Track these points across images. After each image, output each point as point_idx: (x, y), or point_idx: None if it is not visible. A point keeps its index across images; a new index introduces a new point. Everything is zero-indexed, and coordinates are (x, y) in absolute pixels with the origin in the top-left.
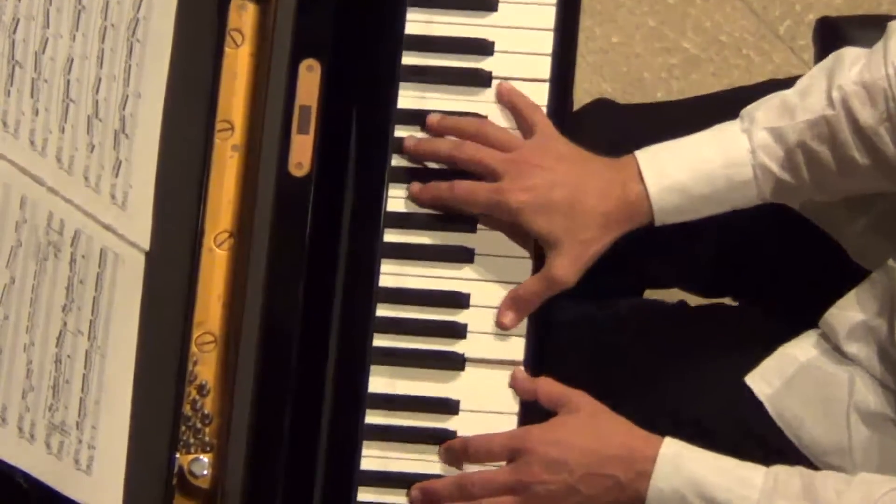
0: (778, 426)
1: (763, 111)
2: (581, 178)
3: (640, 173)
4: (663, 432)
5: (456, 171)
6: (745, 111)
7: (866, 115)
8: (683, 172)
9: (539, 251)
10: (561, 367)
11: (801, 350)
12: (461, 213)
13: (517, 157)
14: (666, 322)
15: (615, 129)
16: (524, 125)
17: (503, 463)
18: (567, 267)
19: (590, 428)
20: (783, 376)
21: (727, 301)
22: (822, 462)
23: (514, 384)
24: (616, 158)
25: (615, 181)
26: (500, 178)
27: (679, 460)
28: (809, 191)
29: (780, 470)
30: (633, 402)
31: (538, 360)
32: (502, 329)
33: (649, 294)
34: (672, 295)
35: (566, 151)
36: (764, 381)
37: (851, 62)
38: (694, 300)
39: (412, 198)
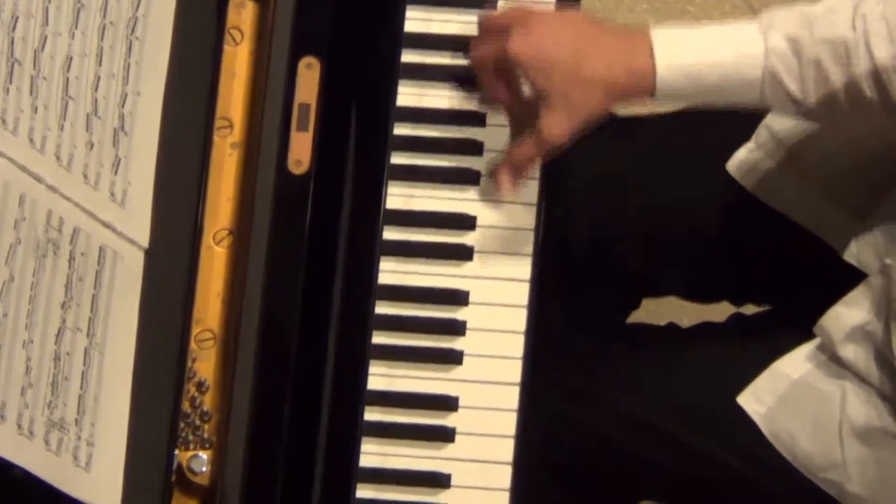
0: (771, 444)
1: (784, 18)
2: (588, 42)
3: (650, 48)
4: (656, 454)
5: (452, 170)
6: (765, 13)
7: (881, 52)
8: (695, 57)
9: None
10: (555, 374)
11: (792, 366)
12: (461, 212)
13: (527, 14)
14: (655, 344)
15: (615, 121)
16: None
17: None
18: (559, 125)
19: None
20: (775, 394)
21: (724, 305)
22: (818, 478)
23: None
24: (629, 30)
25: (624, 51)
26: (509, 32)
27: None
28: (812, 111)
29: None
30: (634, 426)
31: (535, 358)
32: (500, 191)
33: (646, 303)
34: (668, 310)
35: (577, 15)
36: (756, 399)
37: None
38: (689, 308)
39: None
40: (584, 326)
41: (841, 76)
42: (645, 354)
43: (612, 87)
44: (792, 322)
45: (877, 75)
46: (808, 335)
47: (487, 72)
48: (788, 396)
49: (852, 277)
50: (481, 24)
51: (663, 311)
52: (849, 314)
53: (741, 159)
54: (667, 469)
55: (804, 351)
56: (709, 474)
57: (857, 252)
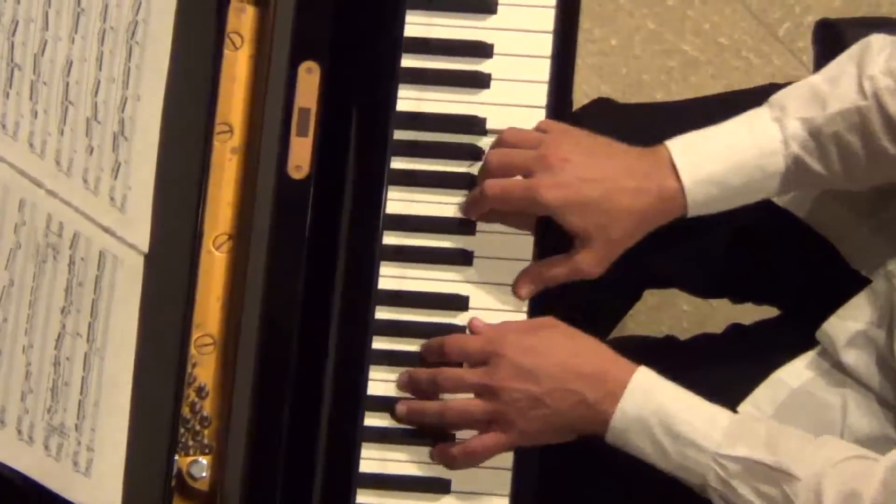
0: None
1: (793, 100)
2: (614, 174)
3: (672, 165)
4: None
5: (452, 175)
6: (773, 99)
7: (895, 107)
8: (717, 164)
9: (540, 249)
10: None
11: (793, 375)
12: (461, 217)
13: (544, 152)
14: (653, 356)
15: (615, 128)
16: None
17: None
18: (594, 262)
19: (566, 342)
20: (775, 403)
21: (723, 313)
22: None
23: (475, 330)
24: (646, 149)
25: (649, 176)
26: (531, 174)
27: (650, 387)
28: (837, 180)
29: (748, 416)
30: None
31: None
32: (517, 298)
33: (646, 295)
34: (669, 306)
35: (591, 143)
36: (756, 408)
37: (879, 49)
38: (690, 311)
39: (463, 215)
40: (584, 330)
41: (861, 142)
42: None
43: (645, 216)
44: (791, 330)
45: (895, 130)
46: (807, 343)
47: (503, 205)
48: (788, 405)
49: (855, 282)
50: (492, 162)
51: (662, 316)
52: (851, 319)
53: None
54: (661, 479)
55: (804, 360)
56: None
57: (862, 256)
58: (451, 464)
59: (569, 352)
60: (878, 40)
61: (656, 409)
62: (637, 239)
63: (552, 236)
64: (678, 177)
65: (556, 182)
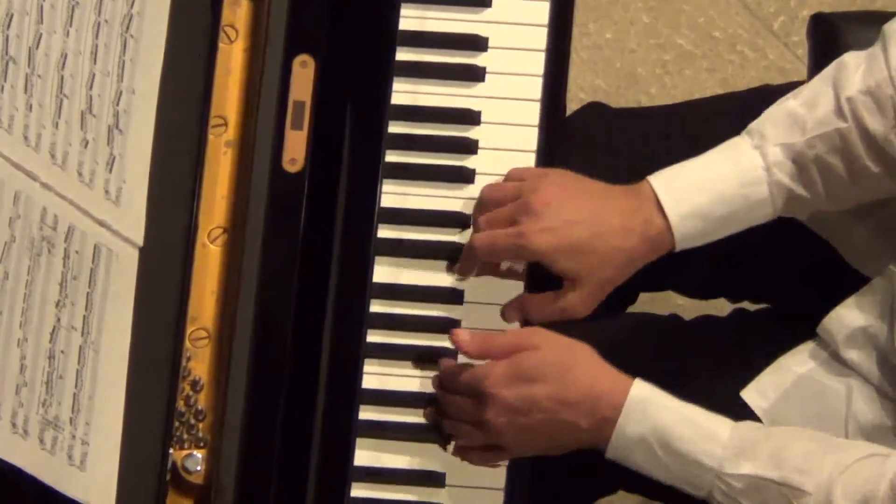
0: None
1: (772, 126)
2: (600, 213)
3: (657, 201)
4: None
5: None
6: (752, 126)
7: (876, 125)
8: (701, 196)
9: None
10: None
11: (798, 362)
12: (455, 210)
13: (526, 199)
14: (657, 336)
15: (608, 135)
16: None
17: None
18: (583, 304)
19: (553, 369)
20: (779, 389)
21: (722, 302)
22: None
23: (457, 345)
24: (627, 186)
25: (635, 215)
26: (517, 223)
27: (646, 406)
28: (822, 202)
29: (748, 429)
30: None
31: None
32: (504, 321)
33: (643, 298)
34: (664, 304)
35: (571, 183)
36: (760, 394)
37: (855, 68)
38: (687, 305)
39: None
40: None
41: (843, 163)
42: (646, 346)
43: (634, 254)
44: (796, 319)
45: (877, 148)
46: (811, 332)
47: (493, 257)
48: (793, 392)
49: (853, 280)
50: (480, 224)
51: (657, 310)
52: (851, 316)
53: None
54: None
55: (809, 347)
56: None
57: (860, 254)
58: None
59: (557, 380)
60: (852, 58)
61: (654, 428)
62: (626, 277)
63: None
64: (663, 213)
65: (542, 227)
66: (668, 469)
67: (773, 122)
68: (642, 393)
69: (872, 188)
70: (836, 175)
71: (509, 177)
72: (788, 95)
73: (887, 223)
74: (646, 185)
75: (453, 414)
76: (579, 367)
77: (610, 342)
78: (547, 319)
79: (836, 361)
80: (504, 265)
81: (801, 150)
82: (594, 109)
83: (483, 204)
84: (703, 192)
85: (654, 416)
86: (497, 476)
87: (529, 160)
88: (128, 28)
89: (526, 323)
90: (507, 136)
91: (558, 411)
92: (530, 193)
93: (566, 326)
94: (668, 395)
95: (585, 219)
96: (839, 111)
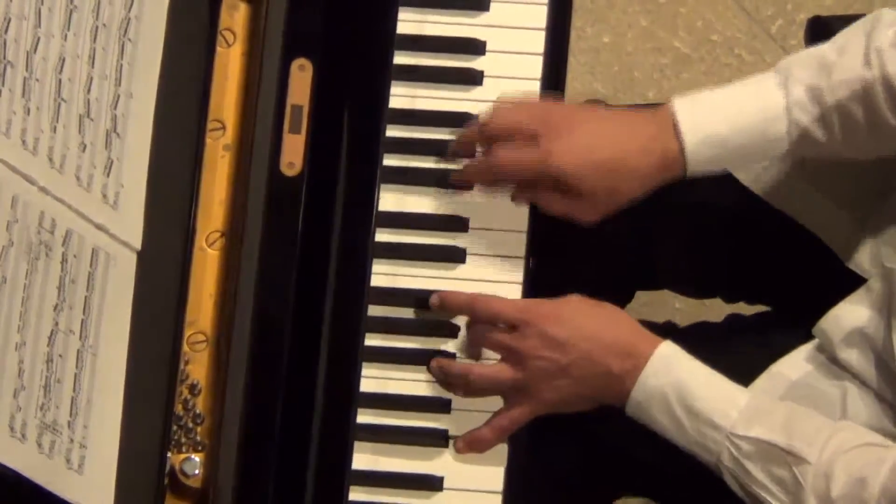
0: None
1: (800, 67)
2: (620, 136)
3: (675, 124)
4: (646, 452)
5: (445, 172)
6: (781, 65)
7: None
8: (719, 125)
9: (531, 250)
10: None
11: (792, 368)
12: (453, 214)
13: (546, 119)
14: None
15: None
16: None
17: None
18: (592, 215)
19: (594, 313)
20: (774, 396)
21: (718, 305)
22: None
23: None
24: (647, 108)
25: (654, 137)
26: (538, 141)
27: (671, 361)
28: (838, 149)
29: (766, 398)
30: (620, 423)
31: None
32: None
33: (642, 298)
34: (661, 305)
35: (590, 110)
36: None
37: (890, 23)
38: (684, 308)
39: (456, 182)
40: None
41: (864, 113)
42: None
43: (649, 176)
44: (789, 323)
45: None
46: (806, 336)
47: (513, 175)
48: (787, 398)
49: (851, 279)
50: (492, 124)
51: (654, 313)
52: (848, 316)
53: None
54: (656, 467)
55: (803, 352)
56: (700, 473)
57: (858, 255)
58: (483, 446)
59: (597, 323)
60: (889, 14)
61: (675, 383)
62: (638, 195)
63: (544, 223)
64: (680, 137)
65: (567, 147)
66: (683, 429)
67: (802, 64)
68: (672, 350)
69: (889, 142)
70: (855, 124)
71: (524, 102)
72: (824, 43)
73: (883, 221)
74: (666, 107)
75: (489, 342)
76: (618, 317)
77: None
78: (554, 214)
79: (832, 364)
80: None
81: (825, 94)
82: None
83: (496, 117)
84: (722, 121)
85: (677, 371)
86: (495, 479)
87: None
88: (126, 32)
89: (532, 213)
90: None
91: (594, 352)
92: (553, 114)
93: None
94: (693, 358)
95: (608, 141)
96: (867, 61)
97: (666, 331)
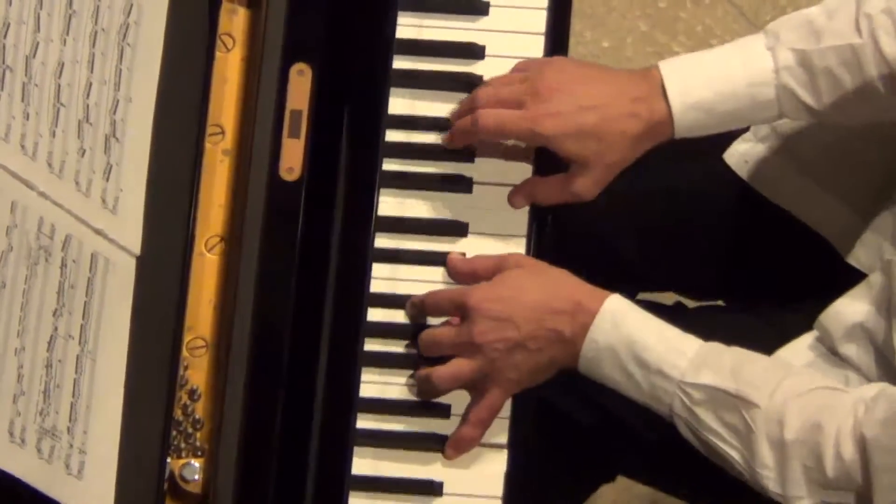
0: None
1: (788, 30)
2: (607, 99)
3: (663, 88)
4: (660, 434)
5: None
6: (769, 27)
7: (890, 46)
8: (708, 89)
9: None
10: None
11: (796, 355)
12: (452, 219)
13: (534, 84)
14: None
15: None
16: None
17: None
18: (590, 185)
19: (535, 281)
20: None
21: (721, 304)
22: None
23: (452, 270)
24: (635, 71)
25: (641, 100)
26: (523, 105)
27: (619, 316)
28: (826, 113)
29: (716, 345)
30: (624, 405)
31: None
32: (513, 207)
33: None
34: (669, 296)
35: (579, 69)
36: None
37: None
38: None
39: (445, 144)
40: None
41: (852, 79)
42: None
43: (638, 139)
44: (795, 311)
45: (888, 69)
46: (810, 325)
47: (497, 137)
48: None
49: (851, 276)
50: (485, 95)
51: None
52: (848, 311)
53: (741, 151)
54: (653, 449)
55: (806, 340)
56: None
57: (857, 250)
58: (469, 444)
59: (540, 289)
60: None
61: (625, 337)
62: (630, 162)
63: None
64: (668, 101)
65: (550, 112)
66: (636, 383)
67: (790, 27)
68: (618, 304)
69: (879, 109)
70: (844, 89)
71: (516, 68)
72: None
73: (884, 216)
74: (655, 71)
75: (428, 345)
76: (560, 279)
77: None
78: (556, 202)
79: (834, 355)
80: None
81: (813, 59)
82: None
83: (488, 84)
84: (710, 85)
85: (625, 325)
86: (494, 484)
87: (527, 168)
88: (125, 37)
89: (533, 210)
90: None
91: (543, 320)
92: (538, 78)
93: None
94: (642, 311)
95: (593, 104)
96: (857, 26)
97: (676, 313)
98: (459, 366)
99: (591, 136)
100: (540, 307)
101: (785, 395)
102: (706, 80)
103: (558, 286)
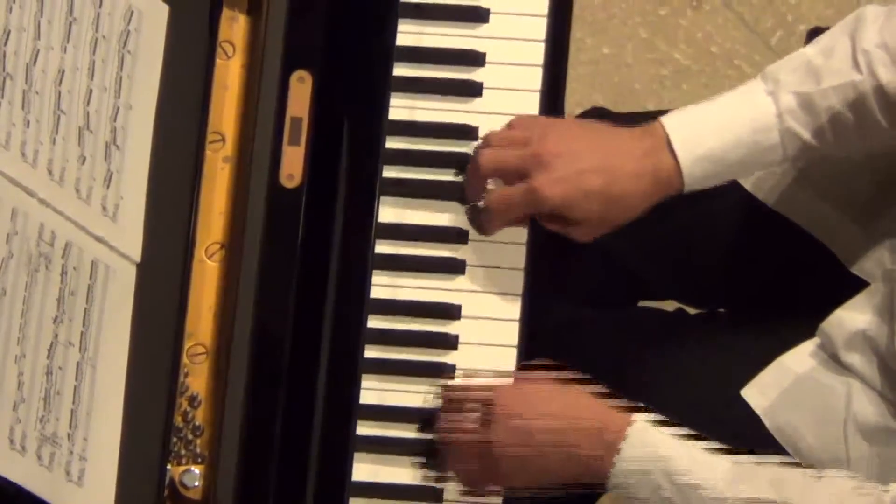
0: (773, 438)
1: (787, 73)
2: (611, 160)
3: (668, 142)
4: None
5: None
6: (767, 71)
7: (890, 79)
8: (713, 139)
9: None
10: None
11: (798, 361)
12: (453, 226)
13: (536, 149)
14: (662, 330)
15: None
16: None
17: None
18: (590, 237)
19: (560, 395)
20: (780, 388)
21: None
22: None
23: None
24: (638, 128)
25: (646, 156)
26: (527, 175)
27: (646, 435)
28: (830, 150)
29: (746, 459)
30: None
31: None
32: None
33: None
34: (670, 302)
35: (580, 131)
36: (760, 393)
37: (873, 20)
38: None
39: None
40: (577, 334)
41: (855, 115)
42: (650, 339)
43: (645, 196)
44: (797, 318)
45: (889, 103)
46: (812, 332)
47: (508, 214)
48: (793, 391)
49: (853, 284)
50: (487, 163)
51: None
52: (851, 319)
53: None
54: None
55: (809, 347)
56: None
57: (862, 260)
58: None
59: (564, 404)
60: (871, 11)
61: (656, 458)
62: (636, 216)
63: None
64: (674, 154)
65: (554, 178)
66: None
67: (789, 69)
68: (645, 426)
69: (882, 142)
70: (847, 126)
71: (515, 125)
72: (808, 45)
73: (886, 225)
74: (658, 126)
75: (458, 431)
76: (585, 394)
77: (614, 333)
78: (552, 230)
79: (836, 363)
80: (489, 184)
81: (815, 100)
82: (596, 114)
83: (487, 145)
84: (715, 135)
85: (653, 443)
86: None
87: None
88: (125, 44)
89: (532, 224)
90: None
91: (566, 437)
92: (540, 144)
93: (573, 318)
94: (668, 432)
95: (597, 166)
96: (855, 63)
97: (676, 319)
98: (471, 468)
99: (597, 198)
100: (562, 423)
101: (828, 500)
102: (710, 130)
103: (583, 403)
